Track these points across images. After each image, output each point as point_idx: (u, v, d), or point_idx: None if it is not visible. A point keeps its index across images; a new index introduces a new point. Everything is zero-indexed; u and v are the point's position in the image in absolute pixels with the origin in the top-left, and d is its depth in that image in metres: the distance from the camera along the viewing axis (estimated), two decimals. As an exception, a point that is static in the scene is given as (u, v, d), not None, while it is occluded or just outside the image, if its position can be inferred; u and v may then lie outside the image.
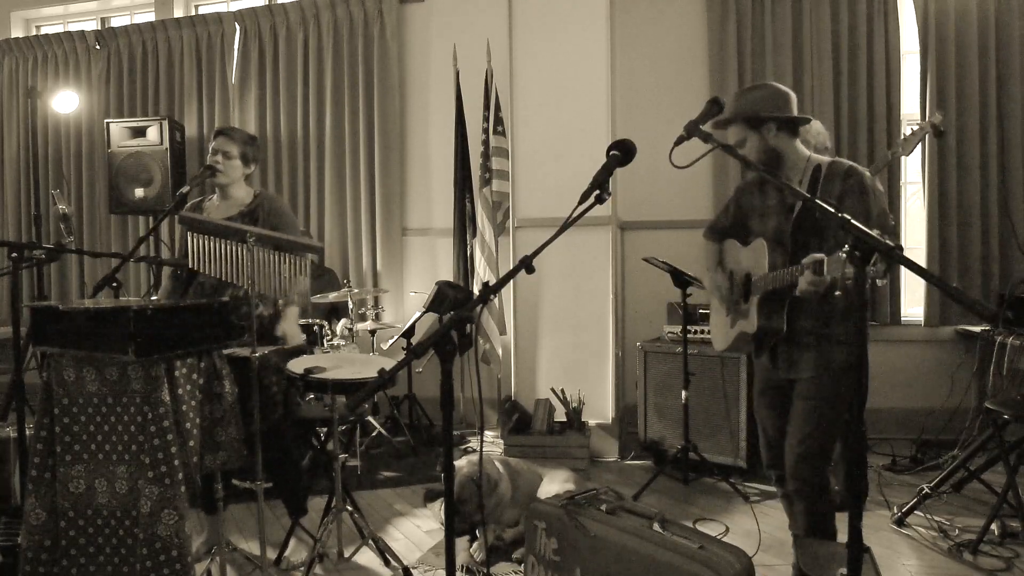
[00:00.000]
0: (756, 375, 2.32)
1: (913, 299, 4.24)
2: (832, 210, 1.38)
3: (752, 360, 3.39)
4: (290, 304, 2.74)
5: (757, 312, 2.13)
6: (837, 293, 1.77)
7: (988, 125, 3.94)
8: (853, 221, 1.32)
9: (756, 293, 2.14)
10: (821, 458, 2.08)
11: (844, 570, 1.37)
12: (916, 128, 2.88)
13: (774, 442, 2.25)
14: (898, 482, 3.36)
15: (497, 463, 2.86)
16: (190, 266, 2.29)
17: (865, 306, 1.42)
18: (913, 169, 4.18)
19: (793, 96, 2.12)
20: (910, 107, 4.11)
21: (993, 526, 2.64)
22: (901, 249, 1.33)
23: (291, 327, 2.75)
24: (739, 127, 2.10)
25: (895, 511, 2.89)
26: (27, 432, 2.44)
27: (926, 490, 2.90)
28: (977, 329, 3.79)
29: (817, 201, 1.44)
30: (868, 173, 2.03)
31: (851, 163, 2.05)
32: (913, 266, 1.29)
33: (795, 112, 2.10)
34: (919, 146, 2.86)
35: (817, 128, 2.92)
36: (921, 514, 2.87)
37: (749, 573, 1.76)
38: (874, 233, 1.31)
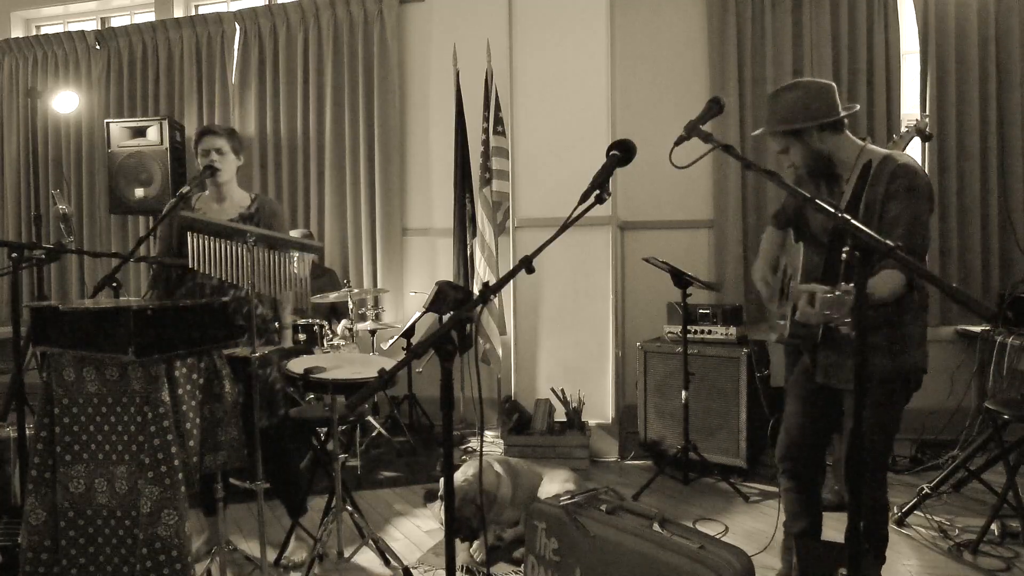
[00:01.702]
0: (794, 366, 2.23)
1: (913, 299, 4.23)
2: (832, 210, 1.37)
3: (753, 358, 3.41)
4: (287, 326, 2.76)
5: (790, 315, 2.04)
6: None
7: (988, 125, 3.94)
8: (852, 221, 1.31)
9: (791, 300, 2.04)
10: (880, 471, 2.06)
11: (844, 570, 1.37)
12: (904, 130, 2.84)
13: (793, 438, 2.21)
14: (898, 482, 3.36)
15: (497, 464, 2.86)
16: (190, 266, 2.29)
17: (864, 306, 1.41)
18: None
19: (831, 89, 1.99)
20: (910, 107, 4.11)
21: (993, 526, 2.64)
22: (913, 252, 1.29)
23: (287, 317, 2.77)
24: (780, 139, 2.02)
25: (895, 511, 2.89)
26: (27, 432, 2.44)
27: (926, 490, 2.90)
28: (977, 329, 3.79)
29: (817, 202, 1.43)
30: (919, 171, 1.88)
31: (904, 161, 1.90)
32: (913, 266, 1.28)
33: (836, 106, 1.97)
34: (915, 142, 2.82)
35: None
36: (921, 514, 2.87)
37: (749, 573, 1.77)
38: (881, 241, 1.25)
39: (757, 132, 2.11)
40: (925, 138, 2.79)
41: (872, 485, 2.03)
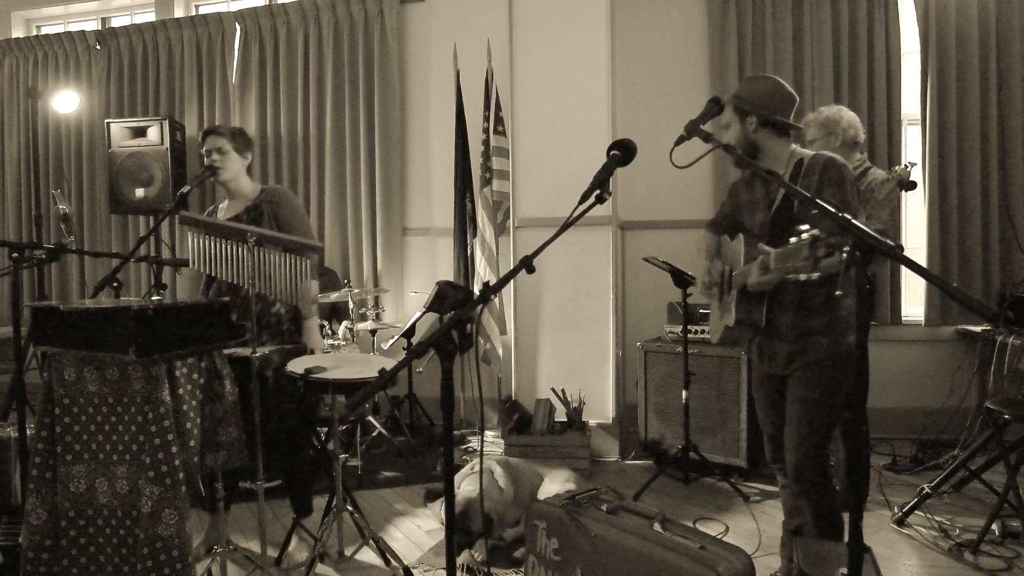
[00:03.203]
0: (752, 370, 2.33)
1: (913, 299, 4.24)
2: (833, 210, 1.38)
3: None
4: (309, 316, 2.74)
5: (736, 306, 2.16)
6: (838, 293, 1.76)
7: (988, 125, 3.93)
8: (854, 221, 1.32)
9: (734, 287, 2.16)
10: (821, 457, 2.08)
11: (844, 570, 1.37)
12: (886, 178, 2.86)
13: (773, 438, 2.26)
14: (899, 482, 3.36)
15: (498, 465, 2.85)
16: (190, 266, 2.29)
17: (865, 304, 1.41)
18: (913, 169, 4.17)
19: (791, 99, 2.10)
20: (910, 107, 4.11)
21: (994, 526, 2.64)
22: (901, 248, 1.32)
23: (315, 339, 2.77)
24: (730, 111, 2.12)
25: (896, 511, 2.89)
26: (27, 432, 2.44)
27: (927, 490, 2.90)
28: (977, 329, 3.79)
29: (818, 201, 1.43)
30: (847, 165, 2.01)
31: (831, 156, 2.02)
32: (913, 266, 1.29)
33: (785, 115, 2.08)
34: (919, 152, 2.82)
35: (848, 119, 2.85)
36: (922, 514, 2.87)
37: (749, 573, 1.77)
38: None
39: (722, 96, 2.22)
40: (906, 187, 2.82)
41: (812, 467, 2.06)
